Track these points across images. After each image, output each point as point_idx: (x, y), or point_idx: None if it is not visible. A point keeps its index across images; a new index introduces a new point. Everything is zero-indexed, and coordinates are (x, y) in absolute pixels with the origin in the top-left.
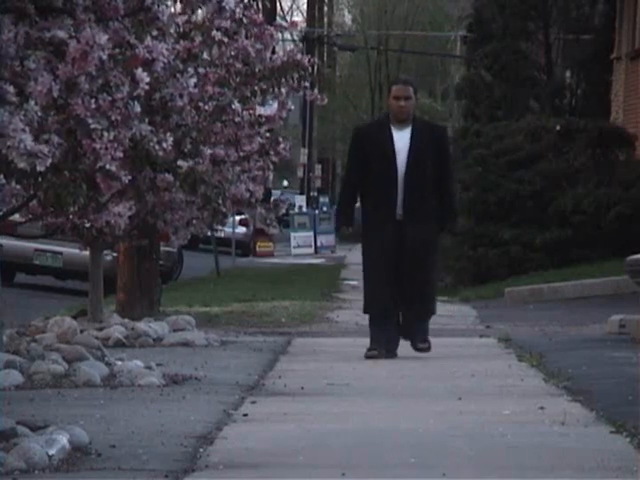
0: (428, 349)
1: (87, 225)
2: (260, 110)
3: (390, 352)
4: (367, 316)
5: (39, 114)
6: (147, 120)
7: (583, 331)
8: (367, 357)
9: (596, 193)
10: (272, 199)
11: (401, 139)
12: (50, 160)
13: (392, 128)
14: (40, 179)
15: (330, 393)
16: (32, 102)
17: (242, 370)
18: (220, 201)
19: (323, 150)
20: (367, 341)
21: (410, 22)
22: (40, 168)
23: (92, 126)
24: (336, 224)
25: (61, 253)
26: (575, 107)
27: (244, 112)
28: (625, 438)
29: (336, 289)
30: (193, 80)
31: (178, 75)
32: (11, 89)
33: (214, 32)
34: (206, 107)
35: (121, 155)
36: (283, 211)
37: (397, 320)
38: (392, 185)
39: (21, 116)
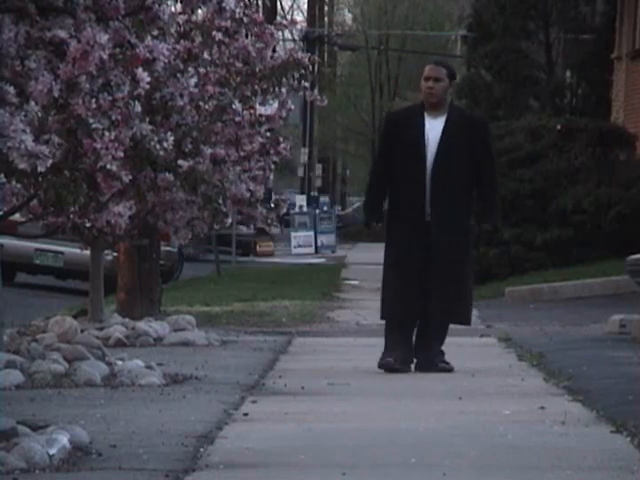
0: (451, 369)
1: (87, 225)
2: (260, 110)
3: (405, 363)
4: (377, 320)
5: (39, 114)
6: (148, 120)
7: (583, 331)
8: (380, 366)
9: (596, 193)
10: (273, 198)
11: (433, 129)
12: (51, 160)
13: (425, 116)
14: (40, 179)
15: (330, 393)
16: (32, 103)
17: (242, 369)
18: (220, 201)
19: (324, 150)
20: (368, 341)
21: (410, 22)
22: (41, 169)
23: (93, 126)
24: (364, 220)
25: (62, 253)
26: (575, 107)
27: (244, 112)
28: (625, 438)
29: (337, 289)
30: (193, 80)
31: (178, 75)
32: (11, 90)
33: (214, 32)
34: (206, 107)
35: (122, 155)
36: (284, 211)
37: (414, 333)
38: (420, 181)
39: (21, 117)
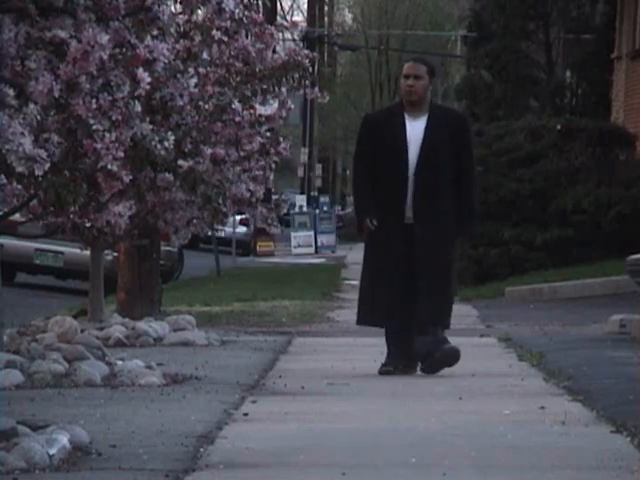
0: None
1: (87, 225)
2: (260, 110)
3: (409, 367)
4: (371, 325)
5: (39, 116)
6: (148, 120)
7: (583, 331)
8: (381, 373)
9: (596, 193)
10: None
11: (414, 129)
12: (48, 164)
13: (405, 116)
14: (40, 179)
15: (330, 393)
16: (32, 105)
17: (242, 369)
18: (220, 201)
19: (323, 150)
20: (368, 341)
21: (410, 22)
22: (38, 172)
23: (93, 127)
24: (358, 222)
25: (62, 253)
26: (575, 107)
27: (244, 111)
28: (625, 437)
29: (336, 289)
30: (193, 80)
31: (178, 75)
32: (11, 92)
33: (214, 32)
34: (206, 107)
35: (122, 155)
36: (284, 211)
37: (411, 333)
38: (401, 182)
39: (20, 119)
